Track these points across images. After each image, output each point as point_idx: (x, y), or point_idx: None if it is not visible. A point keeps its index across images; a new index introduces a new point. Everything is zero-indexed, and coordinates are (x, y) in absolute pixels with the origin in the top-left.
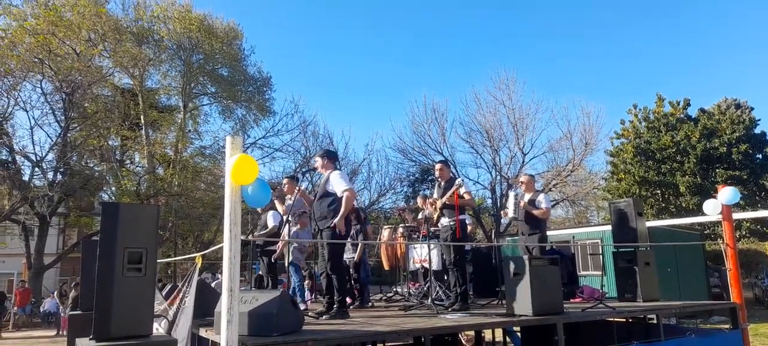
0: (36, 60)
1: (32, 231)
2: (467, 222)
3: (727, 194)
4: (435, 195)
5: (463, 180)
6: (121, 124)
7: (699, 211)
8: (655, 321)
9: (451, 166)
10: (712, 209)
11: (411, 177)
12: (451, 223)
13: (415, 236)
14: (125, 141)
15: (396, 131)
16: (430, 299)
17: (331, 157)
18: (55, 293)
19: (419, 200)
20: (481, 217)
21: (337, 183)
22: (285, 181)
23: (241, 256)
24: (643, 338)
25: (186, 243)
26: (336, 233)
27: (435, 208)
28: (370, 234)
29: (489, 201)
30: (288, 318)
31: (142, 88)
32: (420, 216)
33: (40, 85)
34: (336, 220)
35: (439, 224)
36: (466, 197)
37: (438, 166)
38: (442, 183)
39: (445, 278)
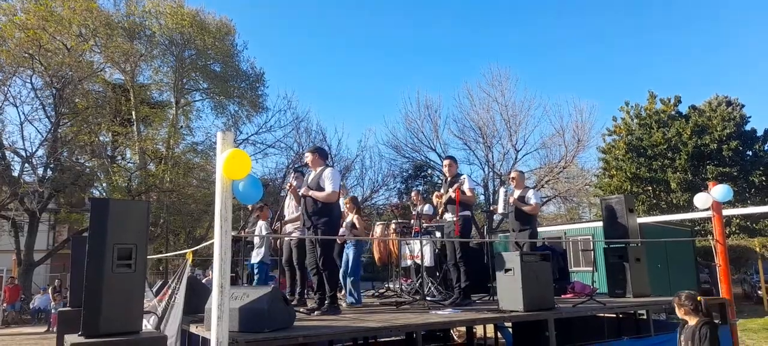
0: (26, 55)
1: (22, 227)
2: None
3: (721, 191)
4: (442, 191)
5: (467, 177)
6: (113, 119)
7: (690, 207)
8: (645, 317)
9: (457, 162)
10: (702, 202)
11: (404, 173)
12: (455, 219)
13: (408, 232)
14: (116, 137)
15: (389, 128)
16: (421, 295)
17: (322, 154)
18: (50, 289)
19: (413, 195)
20: (473, 213)
21: (328, 181)
22: (293, 175)
23: (233, 252)
24: (633, 334)
25: (178, 239)
26: (329, 230)
27: (440, 202)
28: (362, 230)
29: (482, 197)
30: (279, 314)
31: (133, 83)
32: (413, 212)
33: (30, 80)
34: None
35: (442, 219)
36: (468, 193)
37: (446, 162)
38: (449, 179)
39: (438, 273)
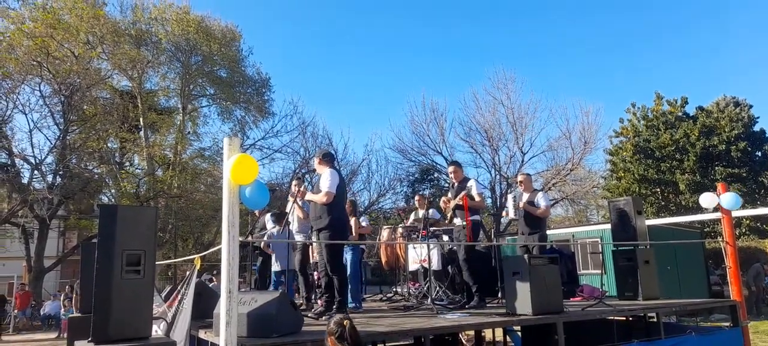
0: (34, 63)
1: (32, 234)
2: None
3: (729, 199)
4: (449, 195)
5: (475, 182)
6: (120, 126)
7: (699, 209)
8: (655, 319)
9: (462, 166)
10: (708, 202)
11: (410, 177)
12: (464, 224)
13: (415, 236)
14: (124, 143)
15: (395, 131)
16: (429, 299)
17: (328, 158)
18: (62, 296)
19: (417, 199)
20: (482, 217)
21: (323, 182)
22: (294, 182)
23: (241, 257)
24: (643, 337)
25: (186, 245)
26: (334, 234)
27: (448, 208)
28: (357, 234)
29: (489, 201)
30: (287, 319)
31: (140, 90)
32: (413, 216)
33: (39, 87)
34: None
35: (452, 224)
36: (477, 199)
37: (451, 168)
38: (456, 184)
39: (445, 277)
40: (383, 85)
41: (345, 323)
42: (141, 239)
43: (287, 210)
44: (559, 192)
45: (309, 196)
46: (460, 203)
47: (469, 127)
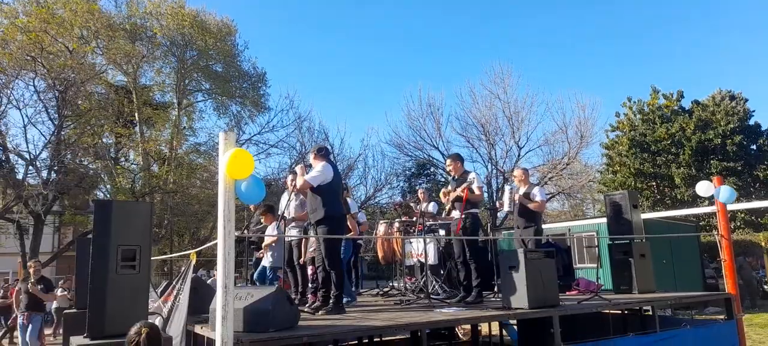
0: (28, 58)
1: (27, 230)
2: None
3: (726, 193)
4: (449, 188)
5: (476, 176)
6: (115, 121)
7: (694, 202)
8: (650, 313)
9: (462, 160)
10: (704, 190)
11: (407, 172)
12: (461, 217)
13: (412, 231)
14: (119, 139)
15: (391, 126)
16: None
17: (323, 153)
18: (58, 291)
19: (420, 193)
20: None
21: (310, 172)
22: (290, 177)
23: (236, 252)
24: (638, 330)
25: (182, 240)
26: (332, 229)
27: (448, 200)
28: (364, 229)
29: (485, 195)
30: (283, 314)
31: (135, 85)
32: (417, 208)
33: (33, 83)
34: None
35: (450, 217)
36: (477, 192)
37: (448, 162)
38: (456, 177)
39: (442, 272)
40: (381, 83)
41: (143, 330)
42: (136, 235)
43: (282, 205)
44: (555, 186)
45: (298, 177)
46: (461, 194)
47: (465, 121)
